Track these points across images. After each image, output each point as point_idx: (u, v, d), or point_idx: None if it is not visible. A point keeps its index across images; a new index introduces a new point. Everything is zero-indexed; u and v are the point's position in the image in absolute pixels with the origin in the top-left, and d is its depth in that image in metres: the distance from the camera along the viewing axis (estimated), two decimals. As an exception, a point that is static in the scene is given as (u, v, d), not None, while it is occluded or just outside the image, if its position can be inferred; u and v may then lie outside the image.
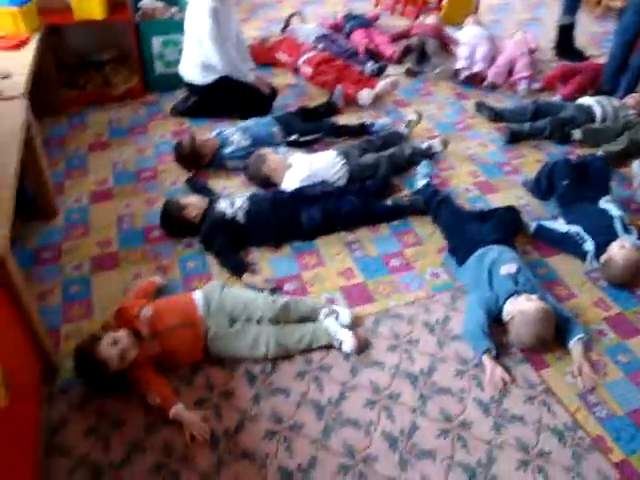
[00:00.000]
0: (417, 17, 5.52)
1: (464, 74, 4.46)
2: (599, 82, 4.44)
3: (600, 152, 3.48)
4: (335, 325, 2.25)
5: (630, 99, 4.04)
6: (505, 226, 2.79)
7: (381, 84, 4.07)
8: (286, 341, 2.19)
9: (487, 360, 2.20)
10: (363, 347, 2.27)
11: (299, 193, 2.87)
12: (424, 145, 3.41)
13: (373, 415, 2.04)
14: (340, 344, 2.23)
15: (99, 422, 1.98)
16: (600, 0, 6.36)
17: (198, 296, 2.24)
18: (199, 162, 3.20)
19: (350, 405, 2.07)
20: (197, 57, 3.56)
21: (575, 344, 2.29)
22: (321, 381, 2.14)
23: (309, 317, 2.31)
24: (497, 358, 2.24)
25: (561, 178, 3.06)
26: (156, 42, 3.90)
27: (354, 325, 2.32)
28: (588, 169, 3.12)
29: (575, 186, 3.03)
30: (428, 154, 3.40)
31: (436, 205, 2.92)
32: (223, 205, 2.73)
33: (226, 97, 3.69)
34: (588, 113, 3.89)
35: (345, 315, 2.31)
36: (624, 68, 4.30)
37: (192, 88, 3.74)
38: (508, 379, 2.17)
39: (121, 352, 1.97)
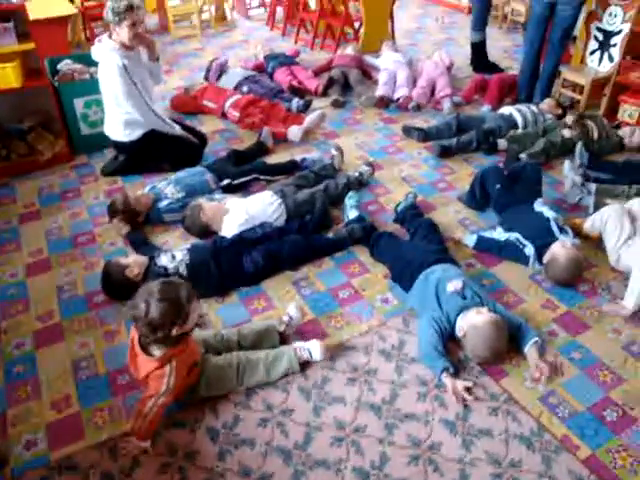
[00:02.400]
0: (336, 49, 5.67)
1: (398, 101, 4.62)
2: (516, 91, 4.66)
3: (523, 156, 3.62)
4: (300, 342, 2.34)
5: (545, 105, 4.25)
6: (431, 231, 2.90)
7: (309, 119, 4.14)
8: (254, 357, 2.24)
9: (446, 378, 2.22)
10: (332, 354, 2.38)
11: (239, 239, 2.86)
12: (356, 173, 3.48)
13: (342, 452, 2.01)
14: (309, 353, 2.29)
15: (58, 507, 1.88)
16: (506, 15, 6.70)
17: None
18: (135, 220, 3.15)
19: (317, 446, 2.03)
20: (118, 115, 3.52)
21: (530, 348, 2.34)
22: (285, 426, 2.10)
23: (266, 335, 2.37)
24: (456, 374, 2.26)
25: (493, 183, 3.16)
26: (78, 104, 3.85)
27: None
28: (521, 175, 3.23)
29: (508, 189, 3.14)
30: (362, 180, 3.46)
31: (373, 241, 2.93)
32: (164, 260, 2.69)
33: (155, 151, 3.67)
34: (510, 121, 4.06)
35: (293, 309, 2.44)
36: (536, 76, 4.54)
37: (119, 147, 3.70)
38: (470, 384, 2.20)
39: None
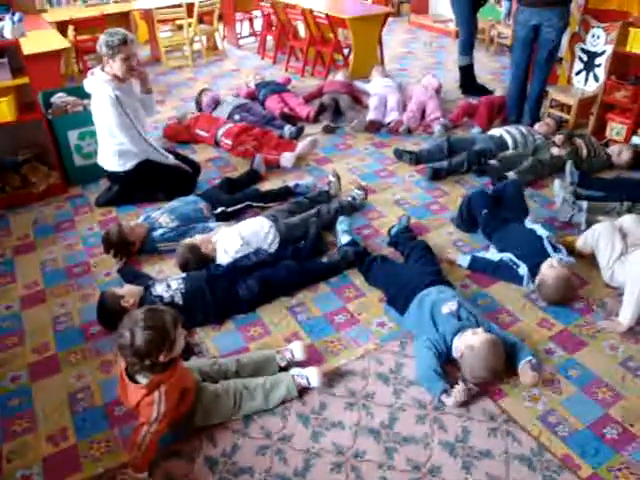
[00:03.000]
0: (327, 76, 5.75)
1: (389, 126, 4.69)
2: (505, 112, 4.73)
3: (511, 174, 3.66)
4: (297, 368, 2.32)
5: (544, 125, 4.29)
6: (425, 253, 2.91)
7: (301, 145, 4.18)
8: (252, 384, 2.23)
9: (446, 400, 2.21)
10: (329, 379, 2.37)
11: (234, 266, 2.87)
12: (348, 198, 3.51)
13: (341, 478, 1.99)
14: (307, 380, 2.27)
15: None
16: (492, 39, 6.83)
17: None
18: (130, 249, 3.16)
19: (317, 472, 2.01)
20: (112, 146, 3.55)
21: (523, 367, 2.34)
22: (284, 453, 2.08)
23: (265, 365, 2.37)
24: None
25: (480, 208, 3.18)
26: (72, 136, 3.89)
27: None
28: (503, 194, 3.26)
29: (495, 213, 3.15)
30: (355, 205, 3.49)
31: (366, 266, 2.94)
32: (159, 289, 2.69)
33: (149, 181, 3.69)
34: (500, 142, 4.11)
35: (297, 349, 2.40)
36: (524, 97, 4.62)
37: (113, 177, 3.72)
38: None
39: None
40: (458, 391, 2.20)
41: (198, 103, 5.03)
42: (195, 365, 2.30)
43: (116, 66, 3.37)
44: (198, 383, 2.18)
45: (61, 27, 5.70)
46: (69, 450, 2.14)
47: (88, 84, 3.49)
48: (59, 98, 4.00)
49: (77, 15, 5.92)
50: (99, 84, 3.42)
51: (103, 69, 3.43)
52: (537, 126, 4.33)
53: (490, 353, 2.24)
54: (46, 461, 2.10)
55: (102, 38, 3.34)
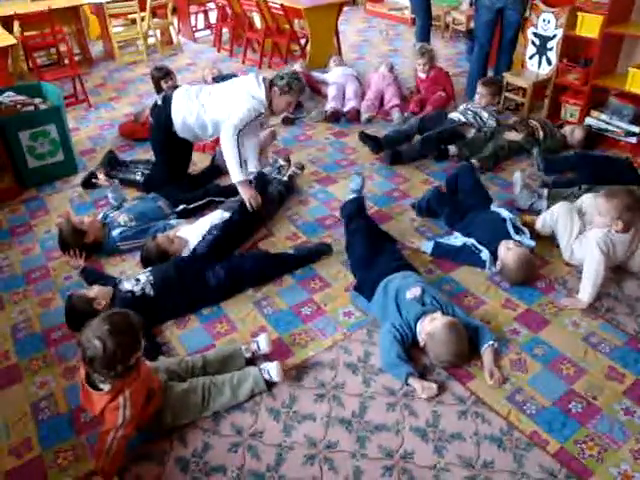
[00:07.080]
0: (284, 67, 5.70)
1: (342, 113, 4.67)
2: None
3: (474, 161, 3.70)
4: (264, 363, 2.32)
5: (481, 99, 4.24)
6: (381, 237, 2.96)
7: (260, 137, 4.12)
8: (219, 380, 2.22)
9: (413, 382, 2.22)
10: (298, 373, 2.37)
11: (196, 254, 2.87)
12: (284, 178, 3.60)
13: (315, 470, 1.99)
14: (268, 373, 2.26)
15: None
16: (447, 25, 6.88)
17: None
18: (82, 240, 3.04)
19: (290, 466, 2.00)
20: (206, 123, 3.42)
21: (485, 351, 2.36)
22: (256, 449, 2.07)
23: (232, 359, 2.36)
24: (422, 378, 2.27)
25: (441, 209, 3.22)
26: (23, 137, 3.75)
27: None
28: (458, 184, 3.29)
29: (457, 206, 3.19)
30: (291, 184, 3.61)
31: (350, 235, 2.96)
32: (128, 285, 2.63)
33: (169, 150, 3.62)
34: (460, 125, 4.12)
35: (263, 341, 2.40)
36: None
37: (162, 124, 3.51)
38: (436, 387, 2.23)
39: None
40: (425, 387, 2.21)
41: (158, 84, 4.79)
42: (162, 364, 2.27)
43: (280, 101, 3.31)
44: (165, 382, 2.15)
45: (6, 23, 5.47)
46: (34, 461, 2.08)
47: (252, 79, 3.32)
48: (7, 97, 3.87)
49: (22, 10, 5.62)
50: (259, 95, 3.26)
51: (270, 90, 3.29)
52: (476, 101, 4.31)
53: (450, 336, 2.26)
54: (9, 475, 2.04)
55: (287, 74, 3.30)
